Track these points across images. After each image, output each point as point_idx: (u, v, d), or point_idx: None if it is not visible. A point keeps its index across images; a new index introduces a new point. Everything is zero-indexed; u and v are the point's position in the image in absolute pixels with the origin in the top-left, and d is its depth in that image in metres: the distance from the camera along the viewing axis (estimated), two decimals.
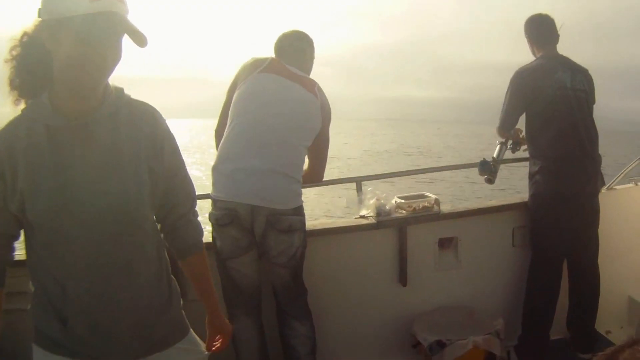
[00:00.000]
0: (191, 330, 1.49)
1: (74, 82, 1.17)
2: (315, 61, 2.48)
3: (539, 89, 2.56)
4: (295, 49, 2.39)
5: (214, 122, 2.38)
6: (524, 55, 2.83)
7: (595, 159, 2.63)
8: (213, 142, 2.40)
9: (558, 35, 2.71)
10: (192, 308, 2.47)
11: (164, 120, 1.35)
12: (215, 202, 2.18)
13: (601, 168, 2.72)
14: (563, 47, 2.75)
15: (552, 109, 2.55)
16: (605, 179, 2.84)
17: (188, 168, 1.44)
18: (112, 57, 1.17)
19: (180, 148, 1.40)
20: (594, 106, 2.70)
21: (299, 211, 2.24)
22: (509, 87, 2.68)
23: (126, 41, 1.18)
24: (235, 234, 2.16)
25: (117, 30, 1.15)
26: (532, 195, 2.65)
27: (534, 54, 2.74)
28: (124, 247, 1.25)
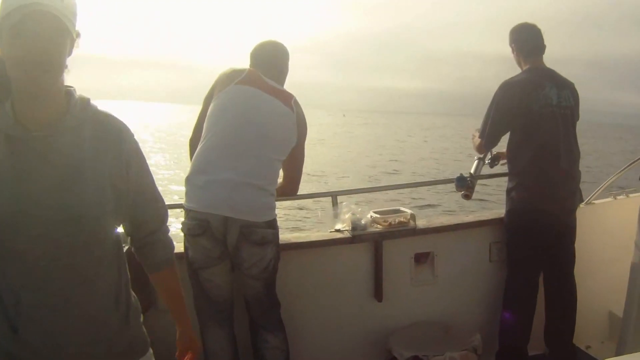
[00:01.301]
0: (150, 350, 1.46)
1: (18, 83, 1.16)
2: (299, 48, 2.49)
3: (525, 105, 2.52)
4: (272, 61, 2.41)
5: (191, 108, 2.37)
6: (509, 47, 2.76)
7: (575, 177, 2.62)
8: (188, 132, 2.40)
9: (545, 46, 2.66)
10: (163, 318, 2.46)
11: (133, 136, 1.33)
12: (187, 212, 2.19)
13: (587, 169, 2.71)
14: (550, 42, 2.71)
15: (536, 126, 2.53)
16: (588, 185, 2.84)
17: (162, 153, 1.41)
18: (52, 53, 1.15)
19: (160, 131, 1.36)
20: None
21: (272, 224, 2.24)
22: (493, 101, 2.63)
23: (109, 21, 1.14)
24: (207, 244, 2.16)
25: (54, 25, 1.14)
26: (508, 212, 2.65)
27: (519, 64, 2.70)
28: (81, 261, 1.23)
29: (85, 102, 1.27)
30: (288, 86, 2.44)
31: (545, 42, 2.68)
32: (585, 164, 2.73)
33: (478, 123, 2.77)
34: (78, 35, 1.22)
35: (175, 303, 1.53)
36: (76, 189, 1.21)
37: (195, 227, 2.15)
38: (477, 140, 2.77)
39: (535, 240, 2.57)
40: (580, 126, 2.75)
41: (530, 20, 2.78)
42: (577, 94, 2.67)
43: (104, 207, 1.24)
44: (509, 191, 2.64)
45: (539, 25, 2.68)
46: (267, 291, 2.31)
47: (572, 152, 2.60)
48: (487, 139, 2.68)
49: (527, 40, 2.66)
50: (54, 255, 1.20)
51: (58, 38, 1.16)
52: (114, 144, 1.27)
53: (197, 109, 2.39)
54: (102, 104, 1.34)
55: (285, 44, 2.49)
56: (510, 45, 2.72)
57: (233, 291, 2.32)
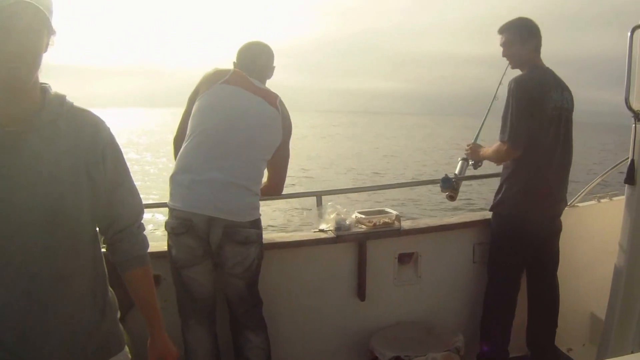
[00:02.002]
0: (126, 347, 1.45)
1: None
2: (275, 53, 2.49)
3: (542, 103, 2.43)
4: (258, 62, 2.42)
5: (163, 111, 2.36)
6: (483, 48, 2.58)
7: (565, 184, 2.62)
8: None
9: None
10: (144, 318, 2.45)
11: (109, 130, 1.32)
12: (171, 211, 2.19)
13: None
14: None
15: (545, 130, 2.48)
16: (571, 184, 2.84)
17: (142, 150, 1.39)
18: (30, 46, 1.14)
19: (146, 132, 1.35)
20: None
21: (256, 224, 2.25)
22: (513, 99, 2.43)
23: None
24: (191, 243, 2.17)
25: (33, 19, 1.13)
26: (496, 215, 2.64)
27: (519, 58, 2.55)
28: (58, 257, 1.22)
29: (61, 98, 1.26)
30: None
31: None
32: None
33: (454, 120, 2.70)
34: (54, 32, 1.21)
35: (149, 307, 1.46)
36: (51, 187, 1.20)
37: (179, 226, 2.15)
38: (497, 147, 2.53)
39: (521, 245, 2.57)
40: None
41: (502, 21, 2.65)
42: (572, 95, 2.62)
43: (81, 204, 1.23)
44: (498, 192, 2.61)
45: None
46: (249, 290, 2.32)
47: (568, 157, 2.59)
48: (513, 141, 2.43)
49: (532, 32, 2.53)
50: (30, 252, 1.18)
51: (37, 32, 1.15)
52: (90, 136, 1.27)
53: (173, 111, 2.39)
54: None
55: None
56: (511, 36, 2.55)
57: (215, 290, 2.32)
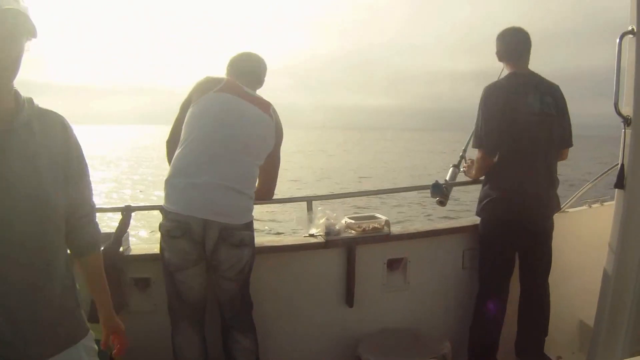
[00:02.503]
0: (90, 331, 1.50)
1: None
2: (273, 72, 2.54)
3: (512, 110, 2.47)
4: (250, 71, 2.48)
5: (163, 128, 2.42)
6: (478, 63, 2.74)
7: (552, 186, 2.61)
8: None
9: (529, 50, 2.60)
10: (135, 320, 2.48)
11: (72, 128, 1.43)
12: (167, 214, 2.21)
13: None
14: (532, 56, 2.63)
15: (518, 136, 2.50)
16: (563, 192, 2.82)
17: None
18: (12, 52, 1.19)
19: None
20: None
21: (250, 226, 2.29)
22: (482, 107, 2.56)
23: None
24: (186, 246, 2.19)
25: (14, 24, 1.17)
26: (481, 220, 2.65)
27: (504, 66, 2.64)
28: (46, 247, 1.30)
29: (30, 101, 1.33)
30: None
31: None
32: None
33: (451, 136, 2.73)
34: (35, 35, 1.26)
35: (101, 288, 1.59)
36: (36, 181, 1.27)
37: (175, 229, 2.17)
38: (476, 157, 2.64)
39: (508, 250, 2.57)
40: None
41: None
42: (562, 98, 2.60)
43: (59, 197, 1.32)
44: (481, 200, 2.64)
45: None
46: (241, 292, 2.34)
47: (549, 160, 2.58)
48: (486, 146, 2.54)
49: (511, 42, 2.60)
50: (20, 244, 1.25)
51: (18, 37, 1.20)
52: (60, 133, 1.38)
53: (166, 128, 2.45)
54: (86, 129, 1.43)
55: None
56: (496, 51, 2.66)
57: (205, 293, 2.34)
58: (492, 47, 2.72)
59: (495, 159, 2.55)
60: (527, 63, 2.62)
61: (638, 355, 1.80)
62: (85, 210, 1.49)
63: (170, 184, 2.24)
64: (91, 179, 1.51)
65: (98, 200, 1.63)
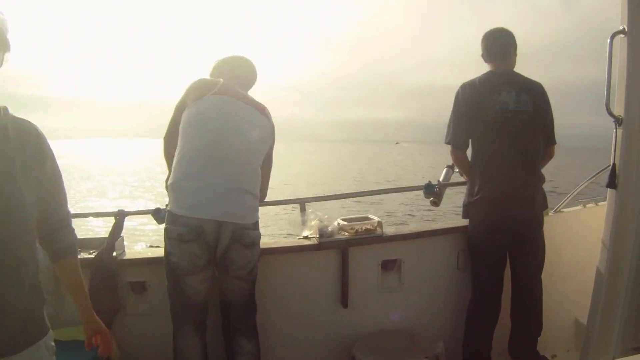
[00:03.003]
0: (50, 330, 1.53)
1: None
2: (285, 89, 2.58)
3: (483, 107, 2.50)
4: (243, 74, 2.51)
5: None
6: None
7: (532, 183, 2.58)
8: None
9: (511, 51, 2.60)
10: (133, 322, 2.52)
11: (45, 136, 1.46)
12: (177, 218, 2.20)
13: (555, 187, 2.69)
14: (528, 70, 2.67)
15: (492, 134, 2.51)
16: (558, 199, 2.83)
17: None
18: None
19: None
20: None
21: (257, 226, 2.33)
22: (454, 103, 2.62)
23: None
24: (197, 250, 2.20)
25: None
26: (469, 222, 2.67)
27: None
28: (17, 246, 1.33)
29: (5, 109, 1.37)
30: (279, 122, 2.57)
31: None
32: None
33: None
34: (8, 49, 1.31)
35: (79, 290, 1.62)
36: (12, 183, 1.31)
37: (188, 233, 2.17)
38: (450, 153, 2.70)
39: (493, 249, 2.58)
40: None
41: None
42: (543, 95, 2.59)
43: (32, 199, 1.36)
44: (464, 202, 2.66)
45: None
46: (249, 293, 2.38)
47: (532, 158, 2.56)
48: (453, 141, 2.61)
49: (491, 42, 2.61)
50: None
51: None
52: (34, 140, 1.40)
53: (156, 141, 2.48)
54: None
55: (273, 85, 2.60)
56: (481, 55, 2.68)
57: (208, 298, 2.36)
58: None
59: (468, 152, 2.63)
60: (510, 63, 2.62)
61: (631, 352, 1.81)
62: (60, 214, 1.54)
63: (179, 188, 2.24)
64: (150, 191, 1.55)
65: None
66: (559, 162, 2.69)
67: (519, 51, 2.64)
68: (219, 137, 2.28)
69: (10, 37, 1.31)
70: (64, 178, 1.54)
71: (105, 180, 30.56)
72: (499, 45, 2.60)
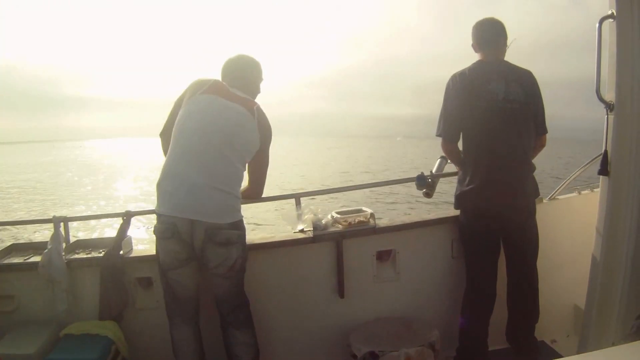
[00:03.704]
0: None
1: None
2: (308, 84, 2.56)
3: (473, 97, 2.50)
4: (237, 72, 2.52)
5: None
6: None
7: (522, 172, 2.56)
8: None
9: (503, 39, 2.59)
10: (140, 317, 2.62)
11: None
12: (158, 217, 2.31)
13: (550, 177, 2.68)
14: (524, 62, 2.64)
15: (482, 124, 2.51)
16: (551, 189, 2.82)
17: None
18: None
19: None
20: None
21: (237, 225, 2.34)
22: (444, 95, 2.60)
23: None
24: (175, 247, 2.29)
25: None
26: (460, 213, 2.68)
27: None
28: None
29: None
30: (302, 118, 2.58)
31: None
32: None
33: None
34: None
35: None
36: None
37: (165, 231, 2.28)
38: (441, 145, 2.70)
39: (486, 238, 2.59)
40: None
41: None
42: (533, 84, 2.57)
43: None
44: (455, 193, 2.66)
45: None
46: (234, 289, 2.43)
47: (519, 147, 2.53)
48: (444, 133, 2.61)
49: (482, 32, 2.60)
50: None
51: None
52: None
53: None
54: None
55: (296, 80, 2.60)
56: (472, 45, 2.67)
57: (198, 291, 2.44)
58: (510, 54, 2.70)
59: (458, 145, 2.62)
60: (500, 52, 2.60)
61: (630, 336, 1.81)
62: None
63: (160, 188, 2.33)
64: None
65: None
66: (578, 154, 2.64)
67: (532, 46, 2.65)
68: (198, 136, 2.32)
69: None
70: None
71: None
72: (490, 34, 2.59)
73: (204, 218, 2.24)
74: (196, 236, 2.26)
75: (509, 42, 2.64)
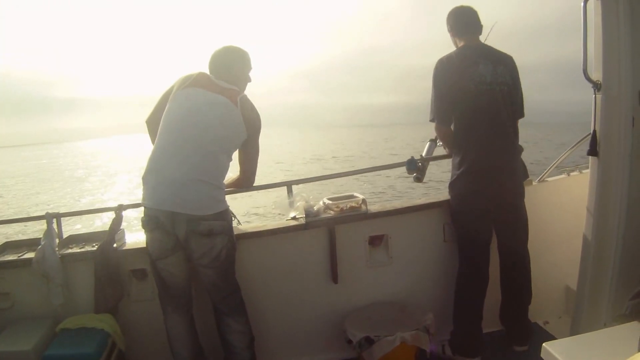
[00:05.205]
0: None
1: None
2: (292, 76, 2.54)
3: (462, 79, 2.50)
4: (223, 63, 2.48)
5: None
6: None
7: (511, 153, 2.59)
8: None
9: (481, 26, 2.62)
10: (135, 308, 2.63)
11: None
12: (144, 209, 2.35)
13: (537, 161, 2.69)
14: (505, 47, 2.64)
15: (472, 106, 2.51)
16: (538, 170, 2.82)
17: None
18: None
19: None
20: (525, 94, 2.63)
21: (221, 216, 2.34)
22: (433, 79, 2.59)
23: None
24: (161, 237, 2.32)
25: None
26: (451, 197, 2.68)
27: (456, 46, 2.67)
28: None
29: None
30: (287, 108, 2.53)
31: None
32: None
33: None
34: None
35: None
36: None
37: (150, 223, 2.32)
38: (435, 130, 2.68)
39: (477, 221, 2.60)
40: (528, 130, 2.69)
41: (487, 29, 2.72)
42: (515, 67, 2.60)
43: None
44: (451, 176, 2.66)
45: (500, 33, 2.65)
46: (222, 278, 2.44)
47: (508, 129, 2.55)
48: (437, 117, 2.59)
49: (460, 18, 2.61)
50: None
51: None
52: None
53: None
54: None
55: (280, 71, 2.57)
56: (447, 29, 2.68)
57: (189, 279, 2.46)
58: (494, 39, 2.73)
59: (451, 127, 2.61)
60: (478, 37, 2.63)
61: (621, 317, 1.83)
62: None
63: (144, 181, 2.35)
64: None
65: None
66: (570, 137, 2.67)
67: (505, 32, 2.64)
68: (179, 129, 2.33)
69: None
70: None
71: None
72: (471, 20, 2.61)
73: (184, 210, 2.26)
74: (178, 228, 2.28)
75: (490, 26, 2.66)
